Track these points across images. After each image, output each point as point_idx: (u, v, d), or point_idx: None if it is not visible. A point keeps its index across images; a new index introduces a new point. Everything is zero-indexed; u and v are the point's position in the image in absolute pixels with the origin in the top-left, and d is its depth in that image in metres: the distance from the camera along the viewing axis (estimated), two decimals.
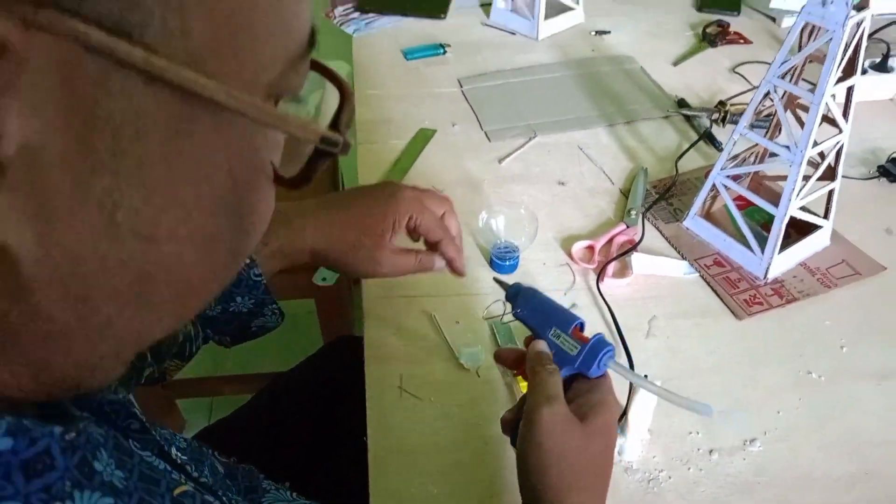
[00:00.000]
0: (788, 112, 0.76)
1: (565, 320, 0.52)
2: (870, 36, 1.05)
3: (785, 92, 0.73)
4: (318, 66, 0.30)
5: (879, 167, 0.91)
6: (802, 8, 0.66)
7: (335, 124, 0.30)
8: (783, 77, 0.71)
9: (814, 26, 0.67)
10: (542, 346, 0.52)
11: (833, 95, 0.69)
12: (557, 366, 0.51)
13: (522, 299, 0.55)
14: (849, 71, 0.69)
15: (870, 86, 1.05)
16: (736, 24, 1.23)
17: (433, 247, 0.64)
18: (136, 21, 0.20)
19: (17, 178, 0.20)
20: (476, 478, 0.60)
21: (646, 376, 0.52)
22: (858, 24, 0.66)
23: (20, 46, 0.18)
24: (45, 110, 0.20)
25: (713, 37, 1.19)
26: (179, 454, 0.38)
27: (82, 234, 0.23)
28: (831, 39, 0.65)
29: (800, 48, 0.69)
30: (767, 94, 0.73)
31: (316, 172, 0.30)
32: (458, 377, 0.68)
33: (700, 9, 1.29)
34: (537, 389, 0.48)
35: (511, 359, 0.54)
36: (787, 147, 0.71)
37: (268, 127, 0.27)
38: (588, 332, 0.53)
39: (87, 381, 0.28)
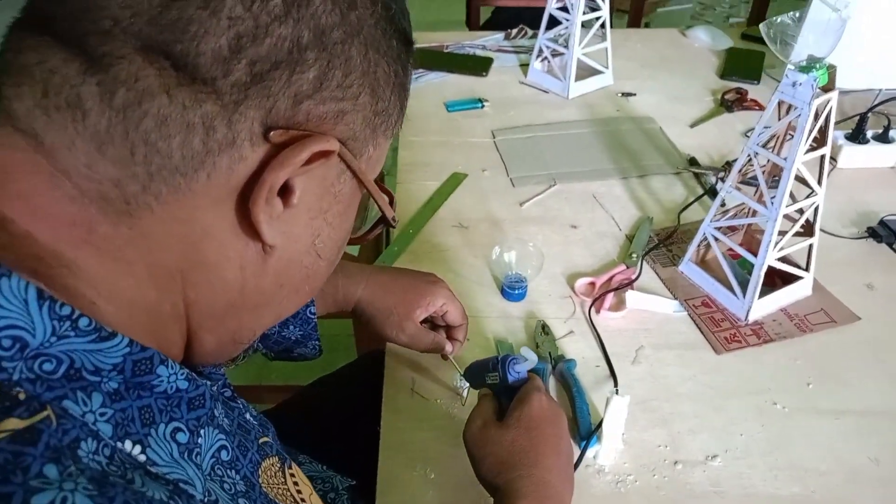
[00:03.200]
0: (769, 175, 0.86)
1: (486, 365, 0.68)
2: (872, 110, 1.15)
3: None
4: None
5: (868, 228, 0.99)
6: (777, 87, 0.77)
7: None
8: (765, 146, 0.82)
9: (788, 104, 0.78)
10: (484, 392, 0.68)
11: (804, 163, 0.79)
12: (494, 393, 0.67)
13: (468, 374, 0.72)
14: (821, 141, 0.79)
15: (873, 154, 1.13)
16: (755, 91, 1.34)
17: (449, 331, 0.79)
18: (362, 151, 0.39)
19: (292, 206, 0.36)
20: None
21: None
22: (827, 103, 0.76)
23: (335, 157, 0.37)
24: (314, 181, 0.37)
25: (731, 103, 1.29)
26: (252, 419, 0.51)
27: (299, 248, 0.39)
28: (799, 115, 0.75)
29: (779, 120, 0.80)
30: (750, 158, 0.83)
31: (374, 234, 0.49)
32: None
33: (723, 76, 1.40)
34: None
35: None
36: (765, 205, 0.81)
37: (377, 202, 0.44)
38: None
39: (235, 351, 0.44)
